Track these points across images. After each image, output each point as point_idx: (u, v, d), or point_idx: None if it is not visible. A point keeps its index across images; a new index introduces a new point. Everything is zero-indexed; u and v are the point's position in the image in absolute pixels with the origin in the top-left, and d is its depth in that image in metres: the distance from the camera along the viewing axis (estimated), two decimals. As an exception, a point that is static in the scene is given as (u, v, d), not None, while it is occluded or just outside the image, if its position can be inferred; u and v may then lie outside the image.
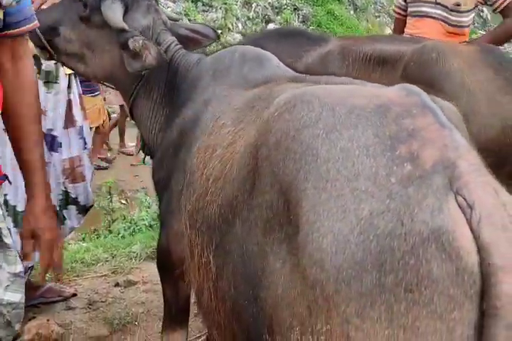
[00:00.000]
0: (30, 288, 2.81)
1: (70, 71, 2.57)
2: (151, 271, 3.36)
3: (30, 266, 2.65)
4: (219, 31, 15.01)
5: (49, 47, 2.08)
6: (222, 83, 1.78)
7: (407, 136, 0.99)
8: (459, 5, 2.85)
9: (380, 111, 1.04)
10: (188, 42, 2.10)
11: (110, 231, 4.76)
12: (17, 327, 1.47)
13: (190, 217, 1.56)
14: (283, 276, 1.03)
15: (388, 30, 17.15)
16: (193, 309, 2.97)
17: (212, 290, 1.42)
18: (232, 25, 14.39)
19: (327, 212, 0.96)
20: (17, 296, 1.45)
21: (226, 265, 1.32)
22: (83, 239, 4.58)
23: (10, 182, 1.61)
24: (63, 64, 2.24)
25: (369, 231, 0.92)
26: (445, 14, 2.89)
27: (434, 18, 2.91)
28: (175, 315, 2.03)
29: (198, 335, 2.74)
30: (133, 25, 1.92)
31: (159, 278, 2.09)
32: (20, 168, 1.63)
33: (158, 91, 2.03)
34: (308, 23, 15.67)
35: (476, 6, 2.98)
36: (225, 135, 1.51)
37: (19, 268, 1.47)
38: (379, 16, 17.77)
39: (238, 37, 12.91)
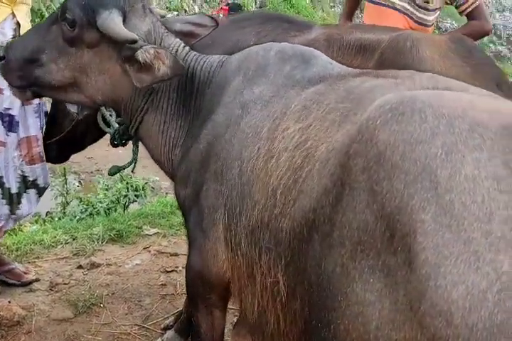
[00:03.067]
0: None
1: None
2: (114, 253, 3.32)
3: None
4: (175, 13, 14.67)
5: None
6: (260, 83, 1.60)
7: None
8: (427, 2, 2.86)
9: (507, 134, 0.91)
10: (185, 36, 1.90)
11: (65, 214, 4.62)
12: None
13: (249, 234, 1.40)
14: (378, 312, 0.93)
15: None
16: (159, 291, 2.99)
17: (280, 313, 1.30)
18: (188, 7, 14.12)
19: (455, 257, 0.84)
20: None
21: (299, 284, 1.19)
22: (36, 221, 4.42)
23: None
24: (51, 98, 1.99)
25: (511, 291, 0.80)
26: (411, 9, 2.89)
27: (399, 11, 2.90)
28: None
29: (165, 316, 2.75)
30: (131, 28, 1.67)
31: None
32: None
33: (168, 102, 1.82)
34: (265, 9, 15.62)
35: (442, 6, 2.98)
36: (290, 136, 1.34)
37: None
38: (334, 6, 17.99)
39: (194, 19, 12.71)
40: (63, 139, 2.53)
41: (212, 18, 1.99)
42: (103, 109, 2.13)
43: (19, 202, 2.54)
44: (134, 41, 1.64)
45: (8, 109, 2.37)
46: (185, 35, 1.91)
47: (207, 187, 1.60)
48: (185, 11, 14.03)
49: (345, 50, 2.28)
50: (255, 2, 16.15)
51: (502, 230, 0.83)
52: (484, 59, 2.20)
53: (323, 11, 17.65)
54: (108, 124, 2.14)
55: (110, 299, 2.85)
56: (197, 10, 14.02)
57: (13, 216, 2.54)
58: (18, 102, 2.39)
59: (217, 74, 1.77)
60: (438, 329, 0.84)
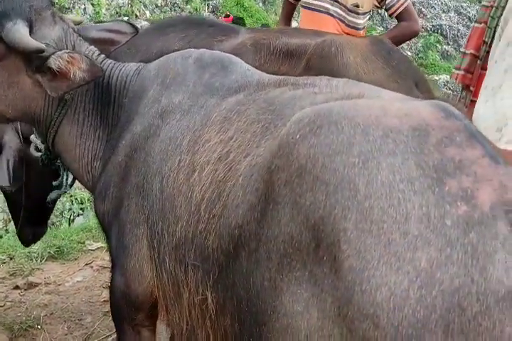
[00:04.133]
0: None
1: None
2: (54, 271, 3.20)
3: None
4: (125, 18, 14.45)
5: None
6: (178, 92, 1.56)
7: (455, 168, 0.90)
8: (357, 6, 2.95)
9: (418, 135, 0.95)
10: (102, 44, 1.84)
11: (7, 231, 4.44)
12: None
13: (174, 251, 1.36)
14: (307, 322, 0.94)
15: (295, 24, 17.64)
16: (102, 308, 2.90)
17: (210, 330, 1.29)
18: (139, 12, 13.95)
19: (377, 260, 0.86)
20: None
21: (228, 300, 1.19)
22: (-24, 240, 4.23)
23: None
24: None
25: (431, 286, 0.83)
26: (343, 14, 2.98)
27: (332, 15, 2.98)
28: None
29: (108, 334, 2.67)
30: (44, 42, 1.60)
31: (114, 316, 1.74)
32: None
33: (84, 113, 1.74)
34: (218, 14, 15.64)
35: (372, 10, 3.11)
36: (212, 149, 1.33)
37: None
38: (287, 10, 18.11)
39: (146, 25, 12.56)
40: (28, 211, 2.31)
41: (131, 24, 1.93)
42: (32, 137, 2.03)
43: None
44: (41, 51, 1.57)
45: None
46: (102, 43, 1.85)
47: (128, 202, 1.54)
48: (136, 16, 13.85)
49: (272, 55, 2.31)
50: (208, 6, 16.15)
51: (418, 229, 0.86)
52: (403, 59, 2.31)
53: (275, 14, 17.79)
54: (38, 149, 2.02)
55: (48, 320, 2.75)
56: (148, 15, 13.88)
57: None
58: None
59: (134, 82, 1.71)
60: (366, 331, 0.86)
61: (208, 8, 15.51)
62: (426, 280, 0.83)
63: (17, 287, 2.97)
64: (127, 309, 1.62)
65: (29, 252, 3.31)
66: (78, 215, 4.38)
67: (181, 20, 2.81)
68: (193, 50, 1.73)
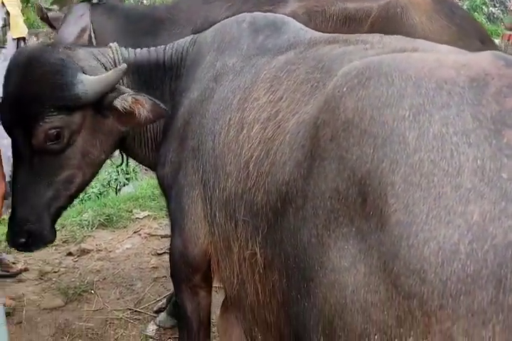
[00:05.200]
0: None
1: (18, 35, 2.48)
2: (104, 238, 3.28)
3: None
4: (135, -1, 14.04)
5: None
6: (233, 55, 1.60)
7: None
8: None
9: (475, 85, 0.90)
10: (84, 32, 2.02)
11: (58, 201, 4.57)
12: None
13: (224, 207, 1.39)
14: (354, 277, 0.92)
15: None
16: (151, 274, 2.96)
17: (258, 284, 1.31)
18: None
19: (426, 213, 0.83)
20: None
21: (276, 256, 1.20)
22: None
23: None
24: None
25: (483, 240, 0.79)
26: None
27: None
28: (197, 334, 1.74)
29: (158, 299, 2.73)
30: (93, 72, 1.68)
31: (170, 275, 1.80)
32: None
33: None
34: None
35: None
36: (261, 108, 1.34)
37: None
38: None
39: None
40: None
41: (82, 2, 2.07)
42: None
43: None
44: (125, 70, 1.65)
45: None
46: (83, 32, 2.04)
47: (185, 165, 1.60)
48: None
49: (328, 22, 2.27)
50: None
51: (472, 181, 0.82)
52: (465, 16, 2.25)
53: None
54: None
55: (101, 285, 2.83)
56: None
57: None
58: None
59: (191, 51, 1.77)
60: (412, 287, 0.83)
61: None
62: (478, 234, 0.80)
63: (70, 253, 3.06)
64: (185, 270, 1.68)
65: (80, 220, 3.39)
66: (124, 185, 4.45)
67: None
68: (247, 14, 1.74)
